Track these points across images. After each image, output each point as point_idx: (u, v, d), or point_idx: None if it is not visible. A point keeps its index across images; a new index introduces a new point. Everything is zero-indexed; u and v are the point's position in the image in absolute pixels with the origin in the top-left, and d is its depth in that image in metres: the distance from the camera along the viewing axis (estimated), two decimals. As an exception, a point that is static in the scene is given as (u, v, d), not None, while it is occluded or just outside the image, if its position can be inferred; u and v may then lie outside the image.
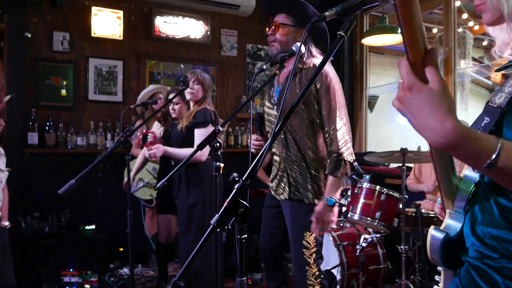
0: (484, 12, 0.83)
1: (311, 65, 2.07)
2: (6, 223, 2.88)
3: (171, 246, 3.50)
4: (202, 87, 2.88)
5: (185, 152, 2.78)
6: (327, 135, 2.04)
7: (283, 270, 2.34)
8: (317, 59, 2.09)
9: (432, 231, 0.86)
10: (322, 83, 2.01)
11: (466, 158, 0.71)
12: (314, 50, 2.08)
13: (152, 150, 2.76)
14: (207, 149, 2.71)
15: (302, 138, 2.09)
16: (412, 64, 0.70)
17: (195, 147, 2.73)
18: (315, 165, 2.09)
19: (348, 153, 2.02)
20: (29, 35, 3.86)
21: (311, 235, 2.06)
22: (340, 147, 1.99)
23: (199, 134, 2.80)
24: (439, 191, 0.90)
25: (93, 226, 3.82)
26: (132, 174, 3.24)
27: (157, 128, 3.28)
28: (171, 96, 3.03)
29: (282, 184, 2.16)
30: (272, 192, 2.28)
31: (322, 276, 2.23)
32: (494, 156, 0.67)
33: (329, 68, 2.04)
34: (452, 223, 0.87)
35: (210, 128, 2.80)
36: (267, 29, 2.12)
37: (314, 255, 2.08)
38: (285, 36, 2.05)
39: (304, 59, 2.05)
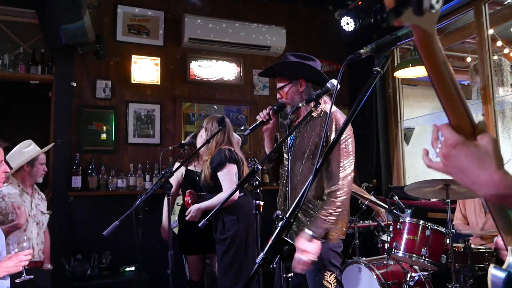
0: None
1: (322, 113, 2.13)
2: (49, 266, 2.93)
3: (203, 284, 3.52)
4: (206, 133, 3.04)
5: (218, 198, 2.90)
6: (331, 179, 2.00)
7: None
8: (328, 105, 2.16)
9: (492, 270, 0.81)
10: (333, 132, 2.04)
11: None
12: (325, 97, 2.11)
13: (189, 215, 2.91)
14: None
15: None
16: (455, 127, 0.72)
17: (224, 189, 2.83)
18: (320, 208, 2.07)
19: (341, 201, 1.96)
20: (75, 85, 4.12)
21: (331, 274, 2.01)
22: (339, 194, 1.95)
23: (223, 177, 2.89)
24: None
25: (133, 268, 3.85)
26: (164, 219, 3.33)
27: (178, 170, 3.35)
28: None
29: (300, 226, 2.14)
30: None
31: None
32: None
33: (340, 116, 2.09)
34: None
35: (230, 166, 2.89)
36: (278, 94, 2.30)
37: None
38: (289, 93, 2.23)
39: (316, 106, 2.08)
